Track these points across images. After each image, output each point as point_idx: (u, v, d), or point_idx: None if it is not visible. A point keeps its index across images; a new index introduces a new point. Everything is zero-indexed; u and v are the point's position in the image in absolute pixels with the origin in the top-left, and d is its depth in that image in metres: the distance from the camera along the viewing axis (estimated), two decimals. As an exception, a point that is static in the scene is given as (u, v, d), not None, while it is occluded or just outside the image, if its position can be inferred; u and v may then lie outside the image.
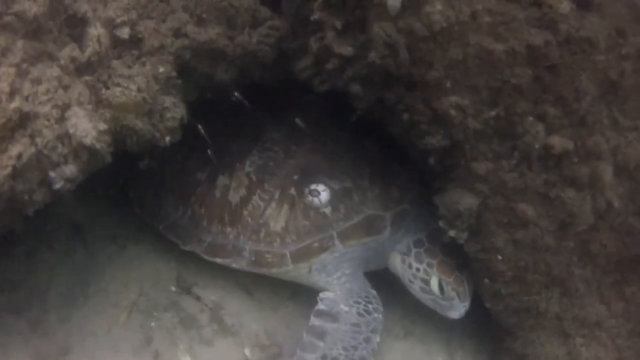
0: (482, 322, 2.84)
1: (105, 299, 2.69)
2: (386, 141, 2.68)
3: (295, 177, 2.80)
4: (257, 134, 2.94)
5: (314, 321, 2.60)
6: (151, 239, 3.03)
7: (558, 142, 2.26)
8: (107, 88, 2.13)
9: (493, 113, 2.27)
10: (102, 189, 3.06)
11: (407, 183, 2.90)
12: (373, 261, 2.91)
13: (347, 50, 2.24)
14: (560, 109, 2.25)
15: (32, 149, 1.89)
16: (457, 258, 2.71)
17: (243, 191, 2.80)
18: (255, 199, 2.77)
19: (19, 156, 1.86)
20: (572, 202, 2.35)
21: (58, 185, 1.96)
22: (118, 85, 2.14)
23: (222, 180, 2.87)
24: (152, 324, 2.65)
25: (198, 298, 2.82)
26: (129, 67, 2.19)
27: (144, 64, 2.22)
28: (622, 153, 2.36)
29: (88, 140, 1.91)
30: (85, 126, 1.94)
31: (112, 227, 3.08)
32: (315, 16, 2.23)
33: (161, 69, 2.25)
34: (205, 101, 2.65)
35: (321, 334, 2.55)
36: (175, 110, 2.31)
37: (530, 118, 2.25)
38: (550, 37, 2.14)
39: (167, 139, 2.31)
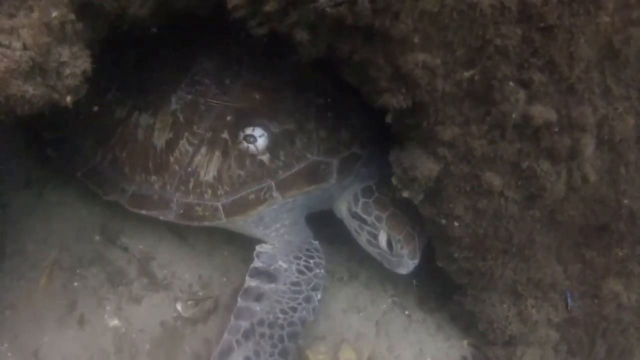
0: (431, 269, 2.71)
1: (23, 261, 2.39)
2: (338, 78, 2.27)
3: (229, 118, 2.40)
4: (186, 64, 2.47)
5: (250, 282, 2.39)
6: (72, 183, 2.66)
7: (539, 112, 1.92)
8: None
9: (467, 75, 1.88)
10: (13, 128, 2.60)
11: (359, 122, 2.55)
12: (317, 206, 2.65)
13: (291, -12, 1.75)
14: (548, 75, 1.88)
15: None
16: (409, 209, 2.44)
17: (169, 133, 2.40)
18: (183, 143, 2.38)
19: None
20: (546, 176, 2.08)
21: None
22: (-2, 44, 1.65)
23: (145, 119, 2.45)
24: (76, 284, 2.39)
25: (125, 248, 2.55)
26: (11, 16, 1.68)
27: (30, 10, 1.70)
28: (609, 125, 2.05)
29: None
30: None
31: (27, 171, 2.68)
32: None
33: (54, 13, 1.73)
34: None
35: (258, 297, 2.36)
36: (76, 63, 1.81)
37: (511, 84, 1.88)
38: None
39: (69, 98, 1.85)
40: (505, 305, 2.60)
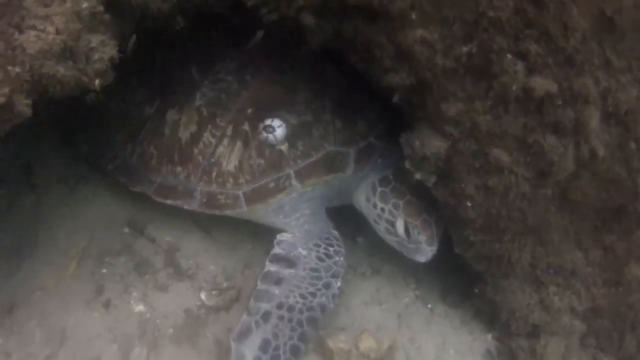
0: (453, 261, 2.78)
1: (54, 248, 2.61)
2: (351, 70, 2.44)
3: (249, 110, 2.60)
4: (209, 63, 2.70)
5: (270, 267, 2.53)
6: (102, 179, 2.91)
7: (539, 83, 2.03)
8: (21, 32, 1.90)
9: (465, 49, 2.02)
10: (50, 127, 2.89)
11: (374, 114, 2.70)
12: (336, 199, 2.79)
13: (296, -26, 1.97)
14: (545, 46, 2.00)
15: None
16: (426, 198, 2.57)
17: (193, 127, 2.62)
18: (207, 135, 2.59)
19: None
20: (553, 150, 2.16)
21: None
22: (33, 28, 1.90)
23: (171, 115, 2.68)
24: (104, 270, 2.58)
25: (152, 240, 2.74)
26: (46, 5, 1.94)
27: (63, 1, 1.95)
28: (612, 97, 2.14)
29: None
30: (-16, 79, 1.74)
31: (61, 168, 2.94)
32: None
33: (84, 4, 1.98)
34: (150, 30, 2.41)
35: (277, 281, 2.49)
36: (103, 50, 2.05)
37: (509, 56, 2.01)
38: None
39: (97, 82, 2.08)
40: (526, 293, 2.64)
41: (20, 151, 2.88)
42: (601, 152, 2.21)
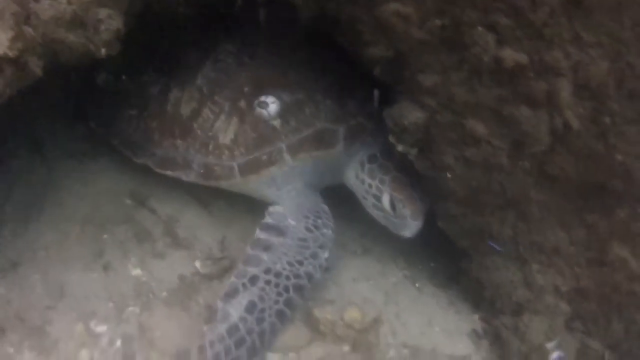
0: (442, 244, 2.90)
1: (60, 214, 2.83)
2: (345, 55, 2.64)
3: (246, 89, 2.81)
4: (211, 46, 2.94)
5: (260, 234, 2.69)
6: (110, 154, 3.15)
7: (510, 55, 2.18)
8: (36, 1, 2.15)
9: (439, 22, 2.20)
10: (63, 106, 3.16)
11: (364, 96, 2.87)
12: (328, 176, 2.96)
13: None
14: (514, 19, 2.16)
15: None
16: (413, 175, 2.72)
17: (194, 104, 2.84)
18: (206, 111, 2.81)
19: None
20: (527, 121, 2.30)
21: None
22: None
23: (174, 93, 2.92)
24: (105, 236, 2.78)
25: (153, 211, 2.95)
26: (59, -20, 2.20)
27: (75, -24, 2.21)
28: (583, 70, 2.27)
29: (0, 51, 1.96)
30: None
31: (71, 143, 3.20)
32: None
33: (94, -20, 2.25)
34: (157, 15, 2.66)
35: (266, 248, 2.65)
36: (110, 22, 2.30)
37: (480, 28, 2.17)
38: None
39: (103, 51, 2.32)
40: (510, 271, 2.74)
41: (33, 127, 3.14)
42: (575, 124, 2.32)
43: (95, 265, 2.66)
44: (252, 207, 3.02)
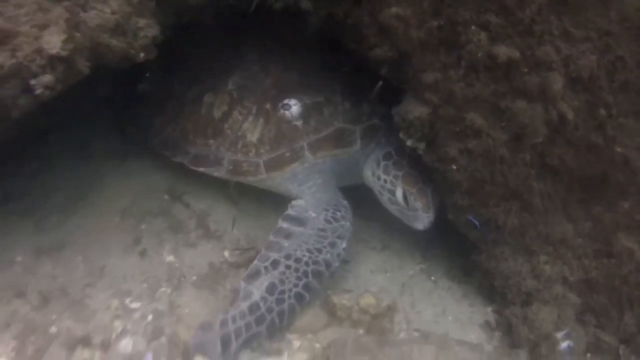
0: (459, 239, 3.10)
1: (102, 206, 3.23)
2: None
3: (271, 93, 3.15)
4: (240, 55, 3.32)
5: (282, 224, 2.97)
6: (150, 155, 3.53)
7: (503, 51, 2.43)
8: (85, 11, 2.58)
9: (435, 23, 2.47)
10: (110, 113, 3.60)
11: (379, 99, 3.15)
12: (347, 174, 3.24)
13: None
14: (504, 17, 2.41)
15: (13, 60, 2.37)
16: (424, 171, 2.96)
17: (225, 107, 3.20)
18: (235, 113, 3.16)
19: (1, 66, 2.34)
20: (523, 113, 2.52)
21: (38, 92, 2.43)
22: (94, 8, 2.58)
23: (207, 98, 3.29)
24: (143, 227, 3.15)
25: (187, 206, 3.30)
26: (104, -8, 2.63)
27: (119, -10, 2.64)
28: (574, 64, 2.48)
29: (53, 49, 2.36)
30: (54, 39, 2.39)
31: (114, 145, 3.63)
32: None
33: (134, -6, 2.66)
34: (190, 29, 3.07)
35: (287, 235, 2.92)
36: (148, 30, 2.70)
37: (473, 27, 2.43)
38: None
39: (142, 55, 2.71)
40: (518, 261, 2.90)
41: (80, 130, 3.58)
42: (570, 115, 2.52)
43: (133, 251, 3.02)
44: (278, 205, 3.29)
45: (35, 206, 3.11)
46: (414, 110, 2.66)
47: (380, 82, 2.92)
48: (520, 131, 2.57)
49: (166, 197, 3.35)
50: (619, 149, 2.66)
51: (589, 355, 2.90)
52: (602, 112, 2.58)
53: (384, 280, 3.11)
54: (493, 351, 2.87)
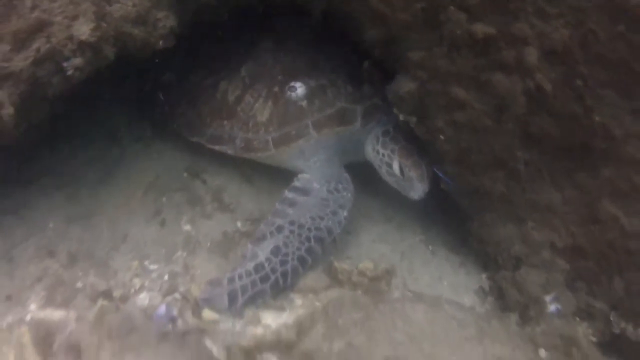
0: (457, 212, 3.34)
1: (128, 182, 3.61)
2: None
3: (280, 77, 3.50)
4: (253, 45, 3.71)
5: (287, 194, 3.29)
6: (171, 139, 3.92)
7: (480, 28, 2.69)
8: (110, 5, 2.97)
9: (419, 6, 2.75)
10: (136, 101, 4.02)
11: (380, 82, 3.43)
12: (351, 152, 3.53)
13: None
14: (481, -1, 2.68)
15: (48, 45, 2.77)
16: (419, 147, 3.23)
17: (238, 92, 3.57)
18: (247, 97, 3.52)
19: (38, 49, 2.75)
20: (501, 85, 2.76)
21: (70, 72, 2.83)
22: (118, 2, 2.98)
23: (223, 85, 3.67)
24: (164, 199, 3.52)
25: (204, 182, 3.66)
26: (127, -11, 3.03)
27: (140, -13, 3.03)
28: (548, 38, 2.71)
29: (82, 36, 2.76)
30: (83, 28, 2.79)
31: (140, 131, 4.04)
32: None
33: (154, -10, 3.05)
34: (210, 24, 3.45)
35: (292, 204, 3.24)
36: (166, 21, 3.08)
37: (452, 7, 2.70)
38: None
39: (161, 43, 3.10)
40: (507, 227, 3.12)
41: (108, 118, 4.02)
42: (547, 86, 2.74)
43: (154, 221, 3.39)
44: (289, 182, 3.61)
45: (66, 182, 3.51)
46: (404, 86, 2.94)
47: (367, 62, 3.22)
48: (501, 102, 2.81)
49: (185, 174, 3.71)
50: (597, 118, 2.84)
51: (577, 319, 3.09)
52: (579, 82, 2.78)
53: (385, 249, 3.38)
54: (484, 313, 3.10)
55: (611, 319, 3.13)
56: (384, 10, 2.77)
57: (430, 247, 3.44)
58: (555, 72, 2.79)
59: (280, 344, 2.69)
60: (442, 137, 2.98)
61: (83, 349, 2.35)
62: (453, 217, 3.44)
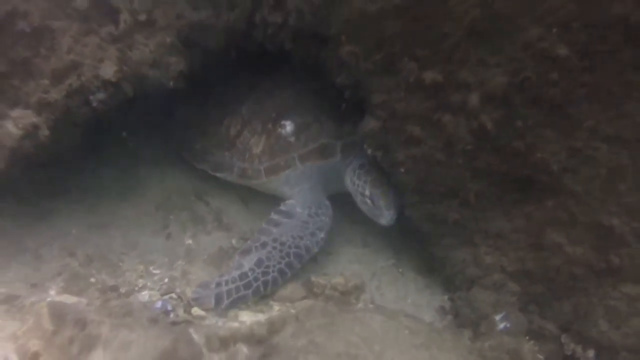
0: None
1: (142, 199, 4.25)
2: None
3: (273, 115, 4.10)
4: (252, 87, 4.34)
5: (273, 215, 3.84)
6: (181, 164, 4.57)
7: (429, 75, 3.20)
8: (131, 51, 3.68)
9: (378, 56, 3.30)
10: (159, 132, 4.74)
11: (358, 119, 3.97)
12: (333, 182, 4.06)
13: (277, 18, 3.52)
14: (429, 49, 3.19)
15: (78, 82, 3.48)
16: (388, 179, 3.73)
17: (238, 127, 4.20)
18: (245, 132, 4.14)
19: (70, 85, 3.45)
20: (450, 125, 3.25)
21: (95, 104, 3.52)
22: (137, 49, 3.68)
23: (226, 120, 4.31)
24: (171, 217, 4.12)
25: (207, 204, 4.26)
26: (146, 38, 3.72)
27: (155, 36, 3.72)
28: (488, 85, 3.18)
29: (107, 76, 3.45)
30: (107, 69, 3.49)
31: (155, 159, 4.72)
32: None
33: (168, 40, 3.73)
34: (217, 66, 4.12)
35: (276, 224, 3.78)
36: (177, 65, 3.75)
37: (405, 58, 3.23)
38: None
39: (172, 83, 3.77)
40: (462, 251, 3.54)
41: (130, 142, 4.68)
42: (489, 125, 3.18)
43: (161, 234, 3.99)
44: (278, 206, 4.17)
45: (89, 196, 4.16)
46: (370, 124, 3.47)
47: (343, 104, 3.78)
48: (450, 139, 3.30)
49: (192, 197, 4.32)
50: (539, 155, 3.27)
51: (527, 338, 3.44)
52: (519, 123, 3.22)
53: (358, 268, 3.86)
54: (440, 328, 3.50)
55: (562, 341, 3.48)
56: (348, 59, 3.34)
57: (400, 270, 3.88)
58: (498, 114, 3.25)
59: (252, 338, 3.18)
60: (402, 169, 3.47)
61: (88, 323, 2.92)
62: (423, 243, 3.89)
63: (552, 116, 3.17)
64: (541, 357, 3.39)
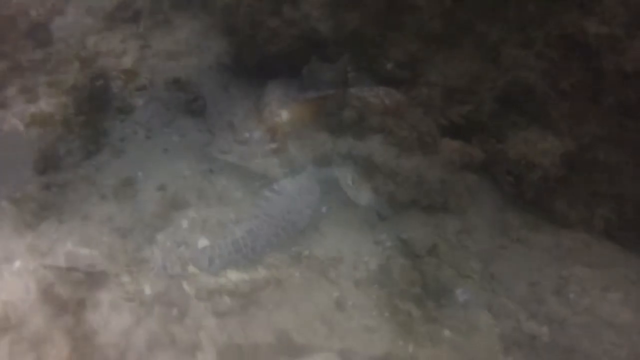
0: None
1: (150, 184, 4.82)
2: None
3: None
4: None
5: (266, 193, 4.31)
6: None
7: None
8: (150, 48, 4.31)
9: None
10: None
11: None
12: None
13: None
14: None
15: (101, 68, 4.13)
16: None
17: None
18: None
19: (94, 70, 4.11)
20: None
21: (115, 90, 4.17)
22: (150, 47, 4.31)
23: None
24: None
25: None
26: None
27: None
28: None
29: (126, 66, 4.07)
30: (127, 60, 4.12)
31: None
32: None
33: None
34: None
35: (268, 200, 4.27)
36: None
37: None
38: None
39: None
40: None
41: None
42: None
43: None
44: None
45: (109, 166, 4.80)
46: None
47: None
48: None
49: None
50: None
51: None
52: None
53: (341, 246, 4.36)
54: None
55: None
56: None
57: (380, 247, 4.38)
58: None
59: (235, 292, 3.76)
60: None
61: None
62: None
63: None
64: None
